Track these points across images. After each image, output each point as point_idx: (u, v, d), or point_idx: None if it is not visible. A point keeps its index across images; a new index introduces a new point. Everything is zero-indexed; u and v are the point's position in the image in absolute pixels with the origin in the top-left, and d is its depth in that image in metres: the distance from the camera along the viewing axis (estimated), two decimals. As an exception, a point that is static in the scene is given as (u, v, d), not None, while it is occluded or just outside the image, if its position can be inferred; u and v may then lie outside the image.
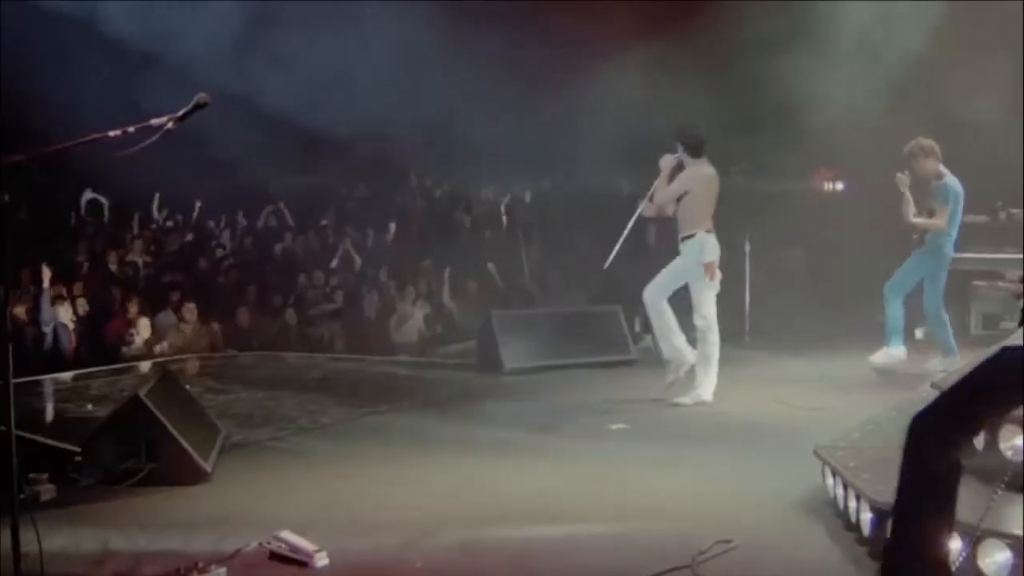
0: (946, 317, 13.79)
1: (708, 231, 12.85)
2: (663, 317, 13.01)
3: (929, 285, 13.91)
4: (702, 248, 12.77)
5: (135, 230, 22.47)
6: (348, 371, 16.51)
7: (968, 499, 7.08)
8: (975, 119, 16.36)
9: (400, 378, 15.66)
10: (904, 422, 9.25)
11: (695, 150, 12.96)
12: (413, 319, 19.12)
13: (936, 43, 17.19)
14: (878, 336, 14.28)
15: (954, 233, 13.78)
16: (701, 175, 12.86)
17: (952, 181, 13.58)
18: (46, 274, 16.66)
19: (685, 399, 12.78)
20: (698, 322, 12.90)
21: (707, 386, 12.86)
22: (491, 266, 20.92)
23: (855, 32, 17.55)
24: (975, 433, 5.34)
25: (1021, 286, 14.43)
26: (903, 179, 13.67)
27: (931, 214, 13.72)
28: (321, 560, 7.16)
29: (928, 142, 13.61)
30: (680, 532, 7.54)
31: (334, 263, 21.71)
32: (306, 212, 24.37)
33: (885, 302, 14.01)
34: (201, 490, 9.29)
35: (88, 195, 23.13)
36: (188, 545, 7.59)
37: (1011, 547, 6.15)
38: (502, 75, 19.74)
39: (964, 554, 6.36)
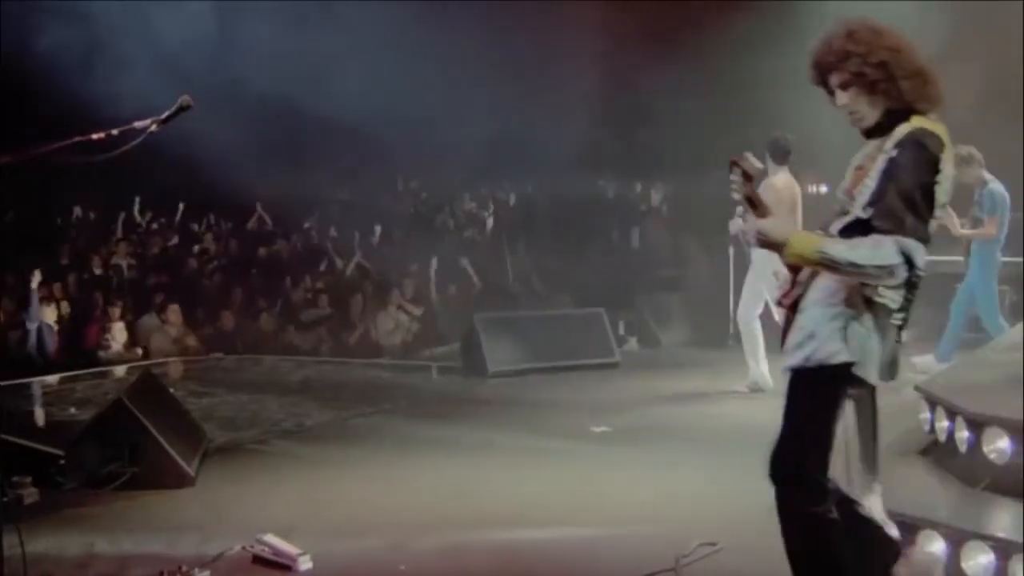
0: (1006, 325, 13.40)
1: None
2: (753, 340, 13.54)
3: (983, 297, 13.61)
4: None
5: (119, 232, 22.40)
6: (332, 374, 16.50)
7: (952, 501, 7.12)
8: (961, 121, 16.35)
9: (384, 381, 15.65)
10: (888, 424, 9.28)
11: (777, 159, 13.27)
12: (398, 322, 19.10)
13: (923, 43, 17.22)
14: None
15: (1002, 238, 13.43)
16: (770, 185, 12.99)
17: (997, 187, 13.23)
18: (35, 278, 16.64)
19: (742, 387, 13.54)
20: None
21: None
22: (464, 262, 20.82)
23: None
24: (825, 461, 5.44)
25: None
26: None
27: (975, 222, 13.35)
28: (304, 563, 7.16)
29: (966, 150, 13.00)
30: (664, 534, 7.55)
31: (320, 266, 21.66)
32: (291, 215, 24.33)
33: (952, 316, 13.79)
34: (185, 493, 9.29)
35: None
36: (172, 548, 7.60)
37: (994, 549, 6.17)
38: (487, 77, 19.74)
39: (947, 556, 6.38)
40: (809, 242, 5.10)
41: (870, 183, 5.16)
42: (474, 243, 22.89)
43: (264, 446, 11.35)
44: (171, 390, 12.07)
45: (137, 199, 23.33)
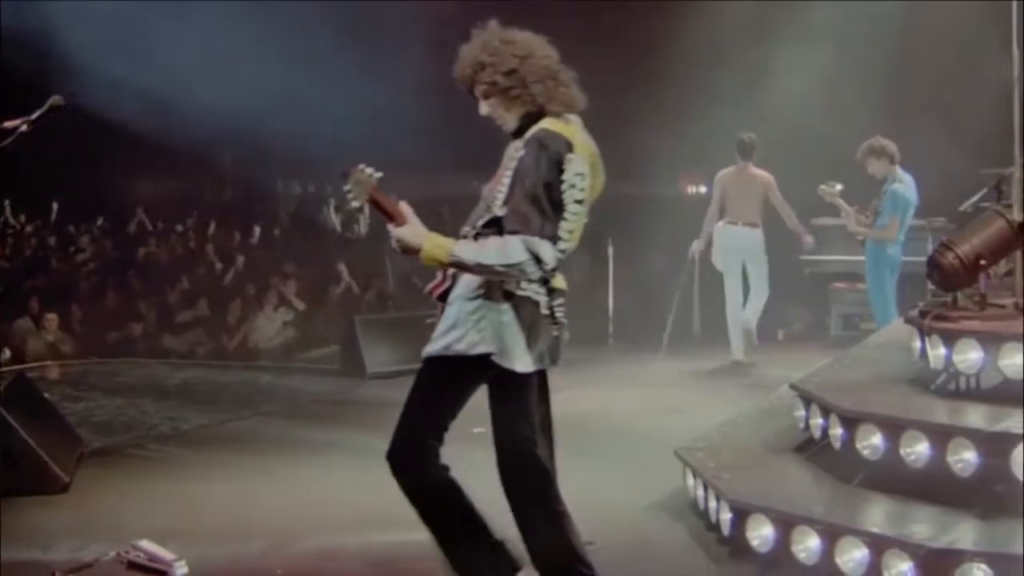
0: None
1: (728, 223, 14.66)
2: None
3: (874, 294, 13.22)
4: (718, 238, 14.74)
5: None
6: (210, 377, 16.29)
7: (826, 497, 7.21)
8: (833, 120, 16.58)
9: (263, 384, 15.49)
10: (764, 422, 9.40)
11: (745, 155, 14.63)
12: (275, 324, 18.96)
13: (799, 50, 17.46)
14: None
15: (901, 237, 12.96)
16: (745, 174, 14.62)
17: (902, 189, 12.76)
18: None
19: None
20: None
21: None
22: (341, 267, 20.71)
23: (727, 37, 17.59)
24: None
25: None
26: (826, 190, 13.07)
27: (876, 215, 12.88)
28: (180, 569, 7.10)
29: (880, 143, 12.81)
30: (542, 535, 7.54)
31: (198, 268, 21.46)
32: (169, 217, 24.11)
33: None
34: (59, 499, 9.15)
35: None
36: (45, 555, 7.52)
37: (868, 544, 6.25)
38: (367, 78, 19.67)
39: (821, 552, 6.45)
40: (442, 247, 5.48)
41: (506, 182, 5.53)
42: (354, 243, 22.83)
43: (140, 450, 11.21)
44: (45, 394, 11.88)
45: (7, 201, 22.96)
